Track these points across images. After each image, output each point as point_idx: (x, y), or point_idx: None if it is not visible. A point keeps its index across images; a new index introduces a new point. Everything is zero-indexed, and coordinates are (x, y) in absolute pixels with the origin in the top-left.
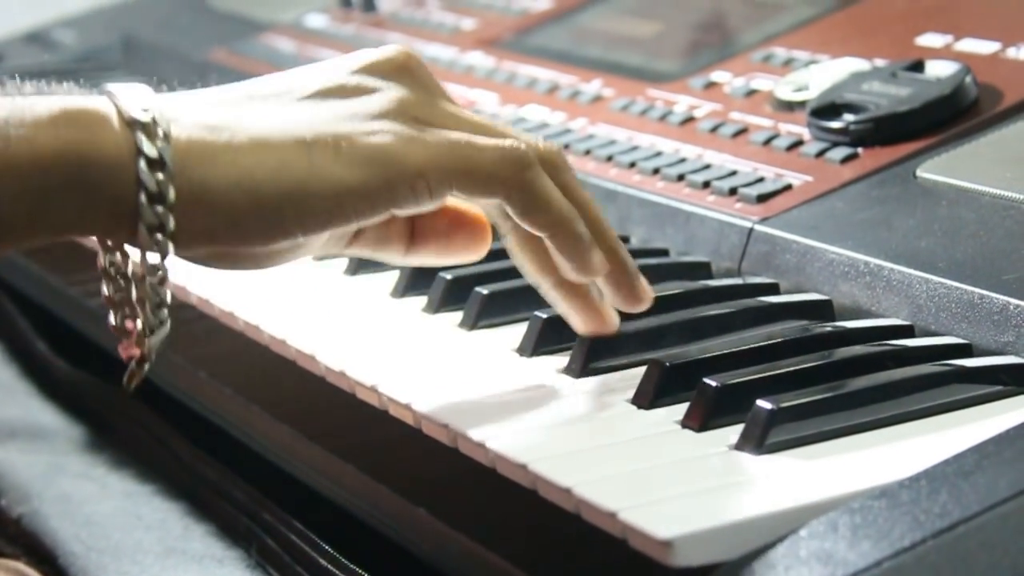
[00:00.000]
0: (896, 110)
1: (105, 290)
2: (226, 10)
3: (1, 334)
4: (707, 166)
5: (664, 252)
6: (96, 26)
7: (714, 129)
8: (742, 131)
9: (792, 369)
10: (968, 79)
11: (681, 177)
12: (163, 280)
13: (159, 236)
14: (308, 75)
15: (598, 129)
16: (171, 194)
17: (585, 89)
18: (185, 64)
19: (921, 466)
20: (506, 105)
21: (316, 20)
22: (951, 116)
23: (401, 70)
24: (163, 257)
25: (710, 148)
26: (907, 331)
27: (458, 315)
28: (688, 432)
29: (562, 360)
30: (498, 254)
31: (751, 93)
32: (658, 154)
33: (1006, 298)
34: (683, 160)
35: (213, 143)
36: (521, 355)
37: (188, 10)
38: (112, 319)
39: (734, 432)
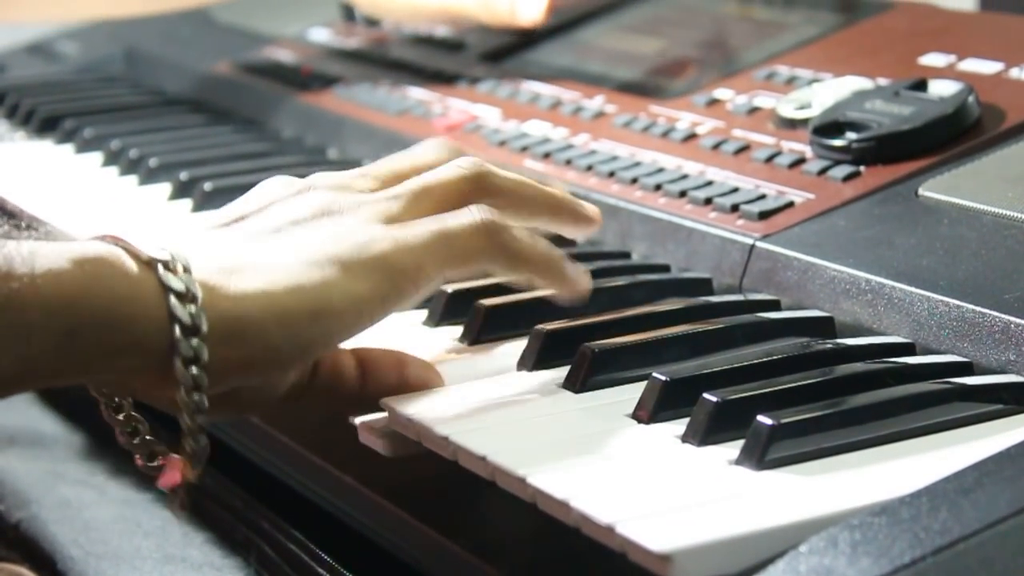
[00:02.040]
0: (898, 129)
1: (120, 437)
2: (229, 23)
3: None
4: (709, 183)
5: (666, 268)
6: (99, 38)
7: (716, 146)
8: (744, 148)
9: (793, 385)
10: (971, 99)
11: (683, 193)
12: (202, 410)
13: (194, 369)
14: (266, 206)
15: (601, 145)
16: (204, 326)
17: (588, 105)
18: (188, 77)
19: (921, 483)
20: (508, 120)
21: (319, 34)
22: (953, 135)
23: (365, 183)
24: (199, 390)
25: (712, 165)
26: (908, 349)
27: (458, 329)
28: (688, 447)
29: (563, 374)
30: None
31: (754, 110)
32: (660, 170)
33: (1007, 317)
34: (685, 176)
35: (230, 276)
36: (522, 369)
37: (191, 23)
38: (138, 460)
39: (734, 447)
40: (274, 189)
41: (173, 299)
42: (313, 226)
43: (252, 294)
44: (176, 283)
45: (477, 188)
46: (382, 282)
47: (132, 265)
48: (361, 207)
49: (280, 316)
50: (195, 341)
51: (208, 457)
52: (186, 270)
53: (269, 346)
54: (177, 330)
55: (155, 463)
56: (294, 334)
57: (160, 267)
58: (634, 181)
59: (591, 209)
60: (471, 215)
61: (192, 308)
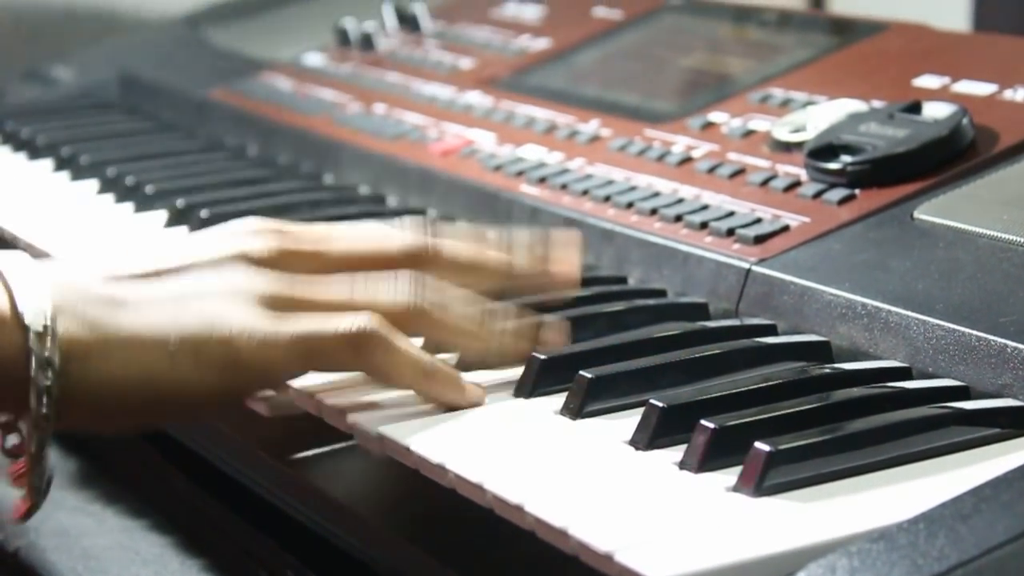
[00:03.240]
0: (893, 151)
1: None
2: (224, 48)
3: None
4: (705, 207)
5: (662, 292)
6: (94, 63)
7: (712, 170)
8: (739, 172)
9: (790, 411)
10: (965, 121)
11: (679, 218)
12: (44, 458)
13: (44, 423)
14: (185, 262)
15: (596, 169)
16: (56, 392)
17: (583, 129)
18: (183, 102)
19: (919, 509)
20: (504, 145)
21: (314, 59)
22: (948, 158)
23: (271, 264)
24: (45, 441)
25: (708, 189)
26: (905, 373)
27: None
28: (686, 473)
29: (560, 401)
30: None
31: (748, 134)
32: (656, 194)
33: (1004, 340)
34: (681, 201)
35: (90, 346)
36: (519, 395)
37: (186, 48)
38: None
39: (732, 474)
40: (211, 247)
41: (35, 366)
42: (197, 304)
43: (98, 365)
44: (40, 353)
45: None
46: (229, 381)
47: (7, 321)
48: (247, 287)
49: (118, 395)
50: (45, 400)
51: (48, 489)
52: (54, 337)
53: (103, 415)
54: (33, 393)
55: (11, 449)
56: (128, 411)
57: (33, 335)
58: (630, 205)
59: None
60: (346, 323)
61: (49, 374)
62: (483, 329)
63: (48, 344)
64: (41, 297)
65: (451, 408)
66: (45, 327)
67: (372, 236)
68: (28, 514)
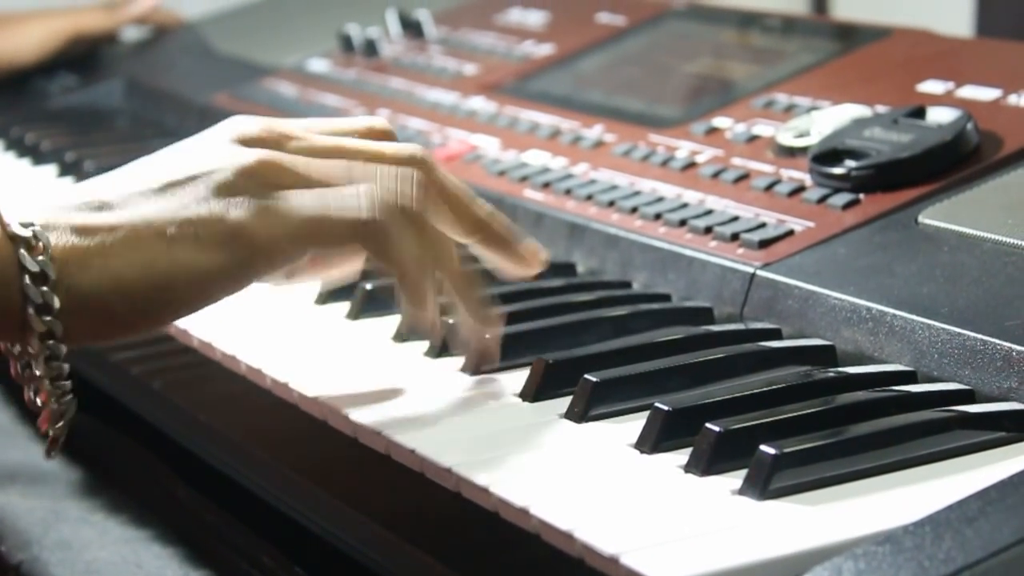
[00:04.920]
0: (897, 156)
1: (12, 370)
2: (228, 54)
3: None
4: (709, 211)
5: (666, 297)
6: (98, 69)
7: (716, 175)
8: (744, 177)
9: (795, 415)
10: (969, 126)
11: (683, 222)
12: (61, 375)
13: (50, 342)
14: (173, 159)
15: (600, 174)
16: (56, 303)
17: (587, 134)
18: (187, 108)
19: (925, 512)
20: (508, 150)
21: (318, 64)
22: (952, 163)
23: (255, 140)
24: (58, 358)
25: (712, 193)
26: (910, 377)
27: (460, 360)
28: (691, 477)
29: (565, 404)
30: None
31: (753, 139)
32: (660, 199)
33: (1008, 344)
34: (685, 205)
35: (86, 248)
36: (524, 399)
37: (190, 54)
38: (26, 394)
39: (737, 477)
40: (199, 141)
41: (27, 279)
42: (190, 187)
43: (98, 268)
44: (31, 264)
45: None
46: (232, 257)
47: None
48: (240, 165)
49: (122, 292)
50: (47, 318)
51: (74, 414)
52: (46, 248)
53: (114, 318)
54: (31, 309)
55: (38, 401)
56: (136, 309)
57: (21, 247)
58: (634, 210)
59: (530, 249)
60: (358, 204)
61: (44, 288)
62: (419, 292)
63: (40, 256)
64: (29, 212)
65: (415, 316)
66: (35, 235)
67: (369, 129)
68: (51, 447)
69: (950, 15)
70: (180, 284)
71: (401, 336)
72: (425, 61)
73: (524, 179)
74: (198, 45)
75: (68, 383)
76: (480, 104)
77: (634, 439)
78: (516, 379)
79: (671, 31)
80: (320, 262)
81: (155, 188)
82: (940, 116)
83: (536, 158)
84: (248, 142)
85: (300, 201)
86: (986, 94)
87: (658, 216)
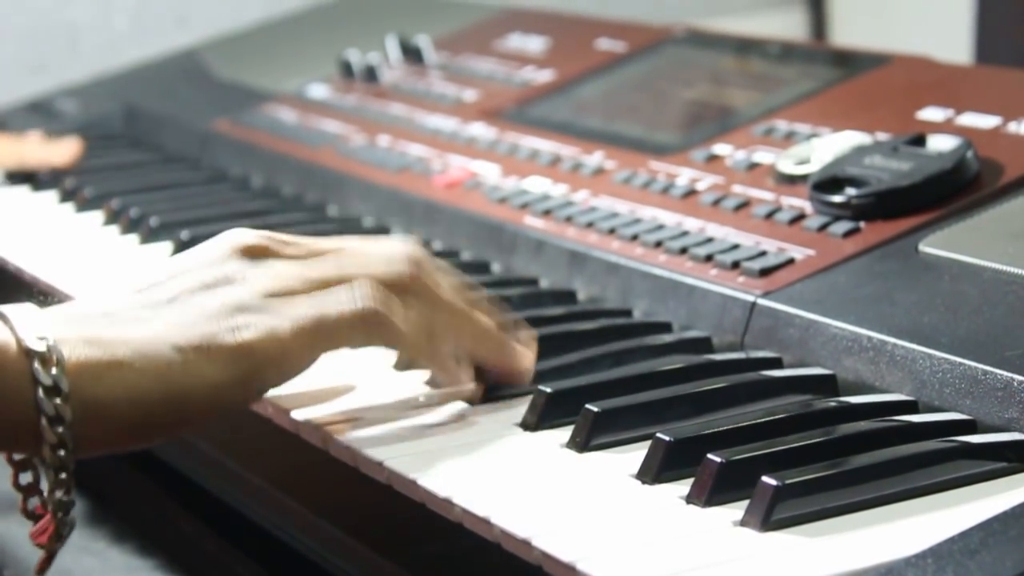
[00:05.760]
0: (898, 184)
1: (12, 479)
2: (228, 80)
3: None
4: (709, 239)
5: (667, 326)
6: (98, 95)
7: (716, 202)
8: (744, 204)
9: (797, 445)
10: (969, 154)
11: (684, 250)
12: (68, 490)
13: (61, 452)
14: (178, 274)
15: (600, 201)
16: (68, 415)
17: (587, 161)
18: (187, 134)
19: (926, 544)
20: (508, 177)
21: (318, 90)
22: (953, 191)
23: (255, 252)
24: (67, 471)
25: (712, 221)
26: (911, 407)
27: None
28: (693, 508)
29: (566, 434)
30: None
31: (753, 166)
32: (660, 227)
33: (1009, 374)
34: (685, 233)
35: (99, 361)
36: (525, 429)
37: (190, 80)
38: (22, 504)
39: (739, 508)
40: (201, 254)
41: (40, 392)
42: (198, 302)
43: (113, 380)
44: (44, 378)
45: (401, 289)
46: (243, 371)
47: (12, 355)
48: (243, 282)
49: (138, 403)
50: (60, 429)
51: (72, 531)
52: (59, 362)
53: (128, 428)
54: (44, 420)
55: (33, 511)
56: (152, 418)
57: (35, 360)
58: (635, 238)
59: (523, 360)
60: (353, 300)
61: (57, 400)
62: (472, 310)
63: (53, 369)
64: (42, 327)
65: (447, 381)
66: (49, 348)
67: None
68: (44, 566)
69: (949, 42)
70: (194, 395)
71: (403, 364)
72: (425, 87)
73: (525, 206)
74: (198, 71)
75: (72, 500)
76: (480, 130)
77: (635, 469)
78: (517, 408)
79: (671, 58)
80: None
81: (164, 302)
82: (940, 144)
83: (537, 185)
84: (251, 252)
85: (300, 311)
86: (986, 122)
87: (659, 244)
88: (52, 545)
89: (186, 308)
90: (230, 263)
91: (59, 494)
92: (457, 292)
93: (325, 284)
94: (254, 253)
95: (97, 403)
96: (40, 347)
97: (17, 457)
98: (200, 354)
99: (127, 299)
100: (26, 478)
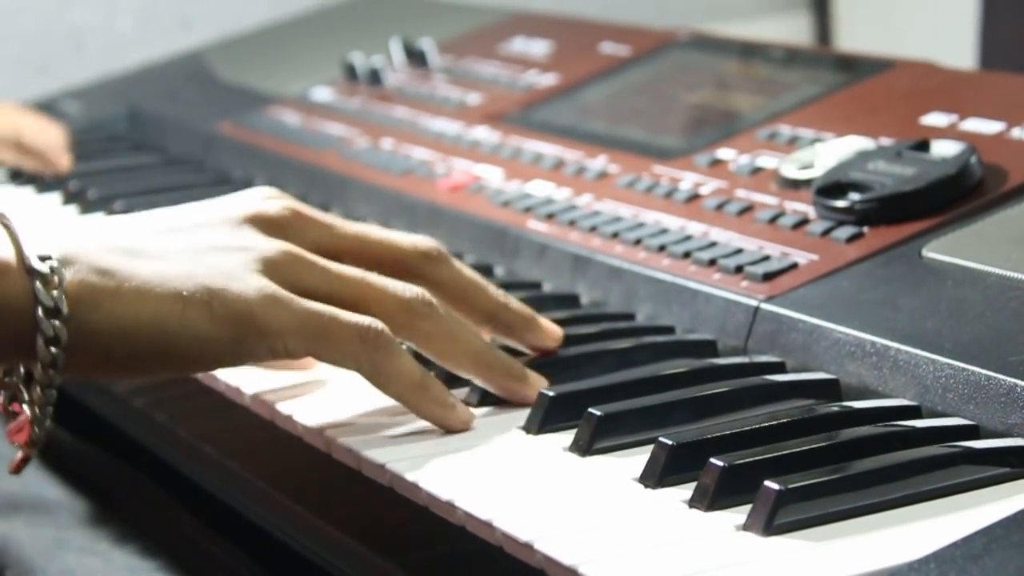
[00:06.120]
0: (901, 189)
1: None
2: (232, 82)
3: None
4: (713, 244)
5: (670, 330)
6: (102, 98)
7: (720, 207)
8: (747, 209)
9: (799, 450)
10: (973, 159)
11: (687, 255)
12: (49, 403)
13: (51, 371)
14: (201, 222)
15: (604, 205)
16: (65, 337)
17: (590, 165)
18: (190, 136)
19: (929, 549)
20: (511, 180)
21: (322, 93)
22: (956, 196)
23: (284, 228)
24: (54, 386)
25: (716, 226)
26: (914, 412)
27: (459, 392)
28: (695, 512)
29: (568, 438)
30: None
31: (756, 171)
32: (664, 231)
33: (1013, 380)
34: (689, 237)
35: (101, 289)
36: (528, 432)
37: (194, 82)
38: (2, 400)
39: (742, 512)
40: (226, 211)
41: (40, 312)
42: (214, 258)
43: (107, 311)
44: (46, 298)
45: (419, 318)
46: (236, 335)
47: (15, 273)
48: (263, 251)
49: (124, 341)
50: (54, 349)
51: (44, 440)
52: (61, 283)
53: (114, 361)
54: (40, 339)
55: (12, 410)
56: (137, 357)
57: (37, 281)
58: (638, 242)
59: (547, 329)
60: (362, 321)
61: (56, 322)
62: (482, 351)
63: (55, 291)
64: (48, 245)
65: (440, 426)
66: (52, 269)
67: (384, 230)
68: (21, 467)
69: (953, 47)
70: (183, 345)
71: None
72: (429, 90)
73: (528, 210)
74: (202, 73)
75: (50, 410)
76: (484, 134)
77: (638, 473)
78: (520, 412)
79: (675, 62)
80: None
81: (179, 248)
82: (944, 149)
83: (540, 189)
84: (274, 225)
85: (315, 309)
86: (990, 127)
87: (662, 248)
88: (27, 451)
89: (200, 260)
90: (250, 231)
91: (41, 410)
92: (467, 335)
93: (340, 281)
94: (275, 226)
95: (90, 329)
96: (44, 268)
97: None
98: (201, 308)
99: (144, 234)
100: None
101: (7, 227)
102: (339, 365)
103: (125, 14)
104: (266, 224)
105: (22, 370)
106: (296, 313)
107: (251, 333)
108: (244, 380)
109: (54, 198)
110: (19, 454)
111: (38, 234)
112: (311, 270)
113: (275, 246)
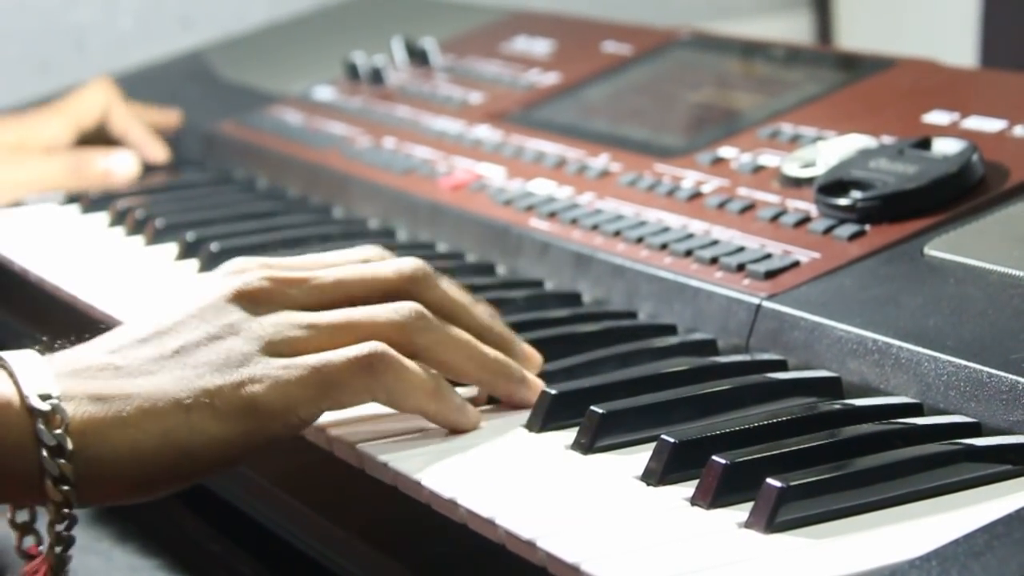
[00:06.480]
0: (903, 187)
1: (8, 517)
2: (233, 82)
3: None
4: (715, 242)
5: (672, 328)
6: None
7: (721, 205)
8: (749, 207)
9: (801, 447)
10: (975, 157)
11: (689, 253)
12: (69, 544)
13: (64, 509)
14: (183, 321)
15: (606, 204)
16: (72, 475)
17: (592, 164)
18: (192, 135)
19: (931, 546)
20: (513, 179)
21: (324, 92)
22: (958, 194)
23: (267, 298)
24: (68, 527)
25: (718, 224)
26: (916, 409)
27: (464, 392)
28: (697, 510)
29: (571, 436)
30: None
31: (758, 169)
32: (666, 229)
33: (1015, 377)
34: (691, 236)
35: (104, 418)
36: (530, 431)
37: (196, 82)
38: (17, 541)
39: (743, 510)
40: (205, 297)
41: (44, 452)
42: (203, 355)
43: (116, 439)
44: (49, 439)
45: (416, 333)
46: (248, 427)
47: (16, 412)
48: (248, 332)
49: (142, 460)
50: (64, 488)
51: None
52: (63, 421)
53: (131, 485)
54: (48, 481)
55: (27, 552)
56: (156, 476)
57: (39, 421)
58: (640, 240)
59: (527, 352)
60: (360, 351)
61: (62, 460)
62: (481, 356)
63: (58, 430)
64: (45, 382)
65: (454, 430)
66: (54, 408)
67: (365, 260)
68: None
69: (954, 46)
70: (199, 452)
71: None
72: (431, 89)
73: (530, 208)
74: (203, 72)
75: (70, 555)
76: (486, 133)
77: (640, 471)
78: (522, 410)
79: (677, 60)
80: None
81: (168, 354)
82: (946, 147)
83: (542, 187)
84: (254, 297)
85: (306, 361)
86: (991, 125)
87: (664, 246)
88: None
89: (191, 362)
90: (233, 312)
91: (58, 549)
92: (465, 342)
93: (331, 329)
94: (257, 299)
95: (101, 461)
96: (44, 407)
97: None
98: (205, 411)
99: (133, 350)
100: (22, 516)
101: (5, 368)
102: (359, 403)
103: (126, 13)
104: (249, 299)
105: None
106: (296, 383)
107: (262, 422)
108: None
109: (101, 218)
110: None
111: (34, 369)
112: (303, 331)
113: (263, 321)
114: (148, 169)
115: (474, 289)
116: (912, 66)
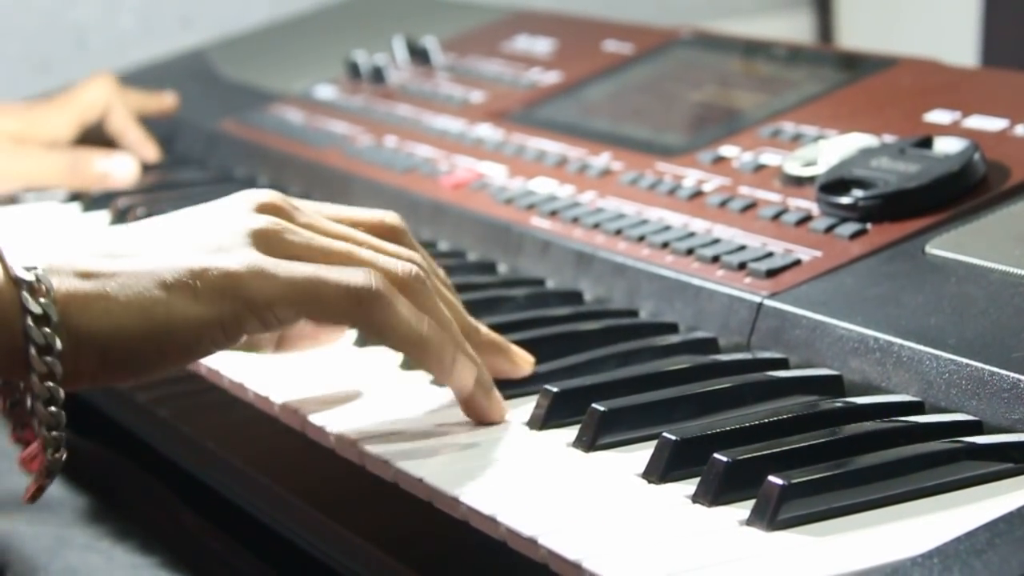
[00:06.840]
0: (905, 186)
1: (1, 404)
2: (235, 81)
3: None
4: (716, 240)
5: (673, 326)
6: None
7: (723, 203)
8: (751, 206)
9: (803, 445)
10: (976, 156)
11: (690, 251)
12: (59, 424)
13: (49, 383)
14: (187, 216)
15: (607, 203)
16: (57, 344)
17: (594, 163)
18: (194, 133)
19: (932, 544)
20: (515, 178)
21: (325, 91)
22: (960, 193)
23: (267, 207)
24: (56, 404)
25: (719, 222)
26: (917, 407)
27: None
28: (699, 507)
29: (572, 433)
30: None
31: (760, 168)
32: (667, 228)
33: (1016, 375)
34: (692, 234)
35: (88, 292)
36: (531, 428)
37: (197, 80)
38: (13, 431)
39: (745, 508)
40: (221, 204)
41: (30, 320)
42: (196, 238)
43: (98, 312)
44: (34, 306)
45: (404, 289)
46: (225, 310)
47: (0, 281)
48: (245, 223)
49: (122, 336)
50: (48, 359)
51: (61, 468)
52: (48, 291)
53: (112, 362)
54: (32, 349)
55: (24, 438)
56: (134, 354)
57: (24, 290)
58: (641, 239)
59: (521, 355)
60: (354, 276)
61: (47, 329)
62: (440, 350)
63: (43, 298)
64: (32, 256)
65: (439, 378)
66: (38, 278)
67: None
68: (36, 496)
69: (956, 45)
70: (175, 333)
71: (408, 364)
72: (432, 88)
73: (531, 207)
74: (204, 71)
75: (63, 435)
76: (487, 132)
77: (642, 469)
78: (523, 408)
79: (678, 59)
80: (309, 337)
81: (162, 239)
82: (947, 146)
83: (543, 186)
84: (261, 208)
85: (299, 267)
86: (993, 124)
87: (665, 245)
88: (42, 480)
89: (182, 245)
90: (241, 209)
91: (49, 431)
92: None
93: (328, 255)
94: (266, 210)
95: (84, 334)
96: (29, 276)
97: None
98: (187, 291)
99: (129, 235)
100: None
101: None
102: (337, 325)
103: (127, 12)
104: (255, 202)
105: (28, 401)
106: (282, 279)
107: (238, 307)
108: (243, 373)
109: (102, 216)
110: (33, 483)
111: (22, 247)
112: (299, 235)
113: (260, 219)
114: (148, 167)
115: (475, 288)
116: (913, 65)
